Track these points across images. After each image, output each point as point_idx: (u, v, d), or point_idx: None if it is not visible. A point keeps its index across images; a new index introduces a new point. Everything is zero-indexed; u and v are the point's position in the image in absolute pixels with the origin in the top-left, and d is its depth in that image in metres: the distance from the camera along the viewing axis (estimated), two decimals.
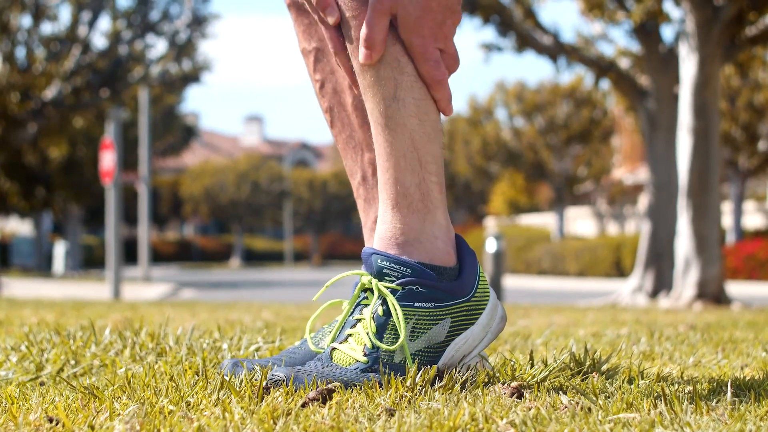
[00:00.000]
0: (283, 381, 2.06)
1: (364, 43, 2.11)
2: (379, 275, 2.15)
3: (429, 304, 2.15)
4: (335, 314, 5.21)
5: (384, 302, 2.15)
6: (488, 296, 2.24)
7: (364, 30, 2.11)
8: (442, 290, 2.16)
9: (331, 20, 2.15)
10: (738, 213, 29.99)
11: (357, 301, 2.20)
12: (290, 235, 59.34)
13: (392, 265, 2.14)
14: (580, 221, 41.00)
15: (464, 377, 2.10)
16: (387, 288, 2.15)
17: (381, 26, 2.11)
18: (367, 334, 2.15)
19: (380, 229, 2.18)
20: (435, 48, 2.14)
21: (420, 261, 2.15)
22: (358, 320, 2.19)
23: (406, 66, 2.11)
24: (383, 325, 2.14)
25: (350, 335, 2.18)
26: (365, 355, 2.14)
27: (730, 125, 28.72)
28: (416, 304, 2.14)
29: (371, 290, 2.18)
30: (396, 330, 2.14)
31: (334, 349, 2.18)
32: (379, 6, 2.10)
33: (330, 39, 2.20)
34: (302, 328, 4.45)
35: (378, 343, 2.12)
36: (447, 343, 2.17)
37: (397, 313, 2.13)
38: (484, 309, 2.23)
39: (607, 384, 2.19)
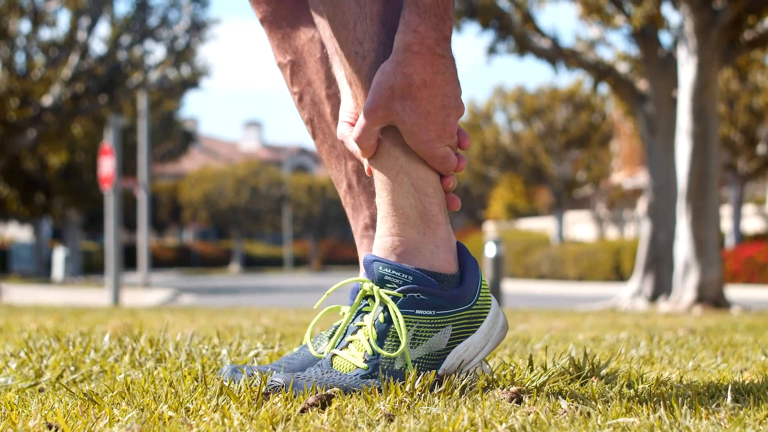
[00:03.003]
0: (283, 387, 2.06)
1: (357, 143, 2.14)
2: (381, 282, 2.15)
3: (430, 312, 2.15)
4: (333, 320, 5.22)
5: (385, 309, 2.15)
6: (490, 304, 2.24)
7: (356, 132, 2.13)
8: (444, 298, 2.16)
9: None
10: (737, 216, 30.00)
11: (358, 308, 2.20)
12: (289, 241, 59.33)
13: (394, 272, 2.14)
14: (580, 225, 41.01)
15: (463, 382, 2.10)
16: (388, 295, 2.15)
17: (372, 133, 2.12)
18: (368, 340, 2.15)
19: (379, 242, 2.18)
20: (442, 146, 2.13)
21: (421, 268, 2.15)
22: (359, 327, 2.18)
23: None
24: (384, 332, 2.14)
25: (351, 342, 2.18)
26: (365, 361, 2.14)
27: (729, 129, 28.74)
28: (417, 312, 2.14)
29: (372, 297, 2.18)
30: (397, 337, 2.14)
31: (334, 355, 2.18)
32: (372, 116, 2.10)
33: None
34: (301, 333, 4.45)
35: (379, 350, 2.12)
36: (448, 350, 2.17)
37: (398, 320, 2.13)
38: (485, 317, 2.23)
39: (606, 388, 2.19)
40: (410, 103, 2.09)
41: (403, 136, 2.12)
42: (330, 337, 2.38)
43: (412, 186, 2.14)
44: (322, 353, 2.35)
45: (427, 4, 2.05)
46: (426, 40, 2.06)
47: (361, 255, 2.47)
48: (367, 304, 2.19)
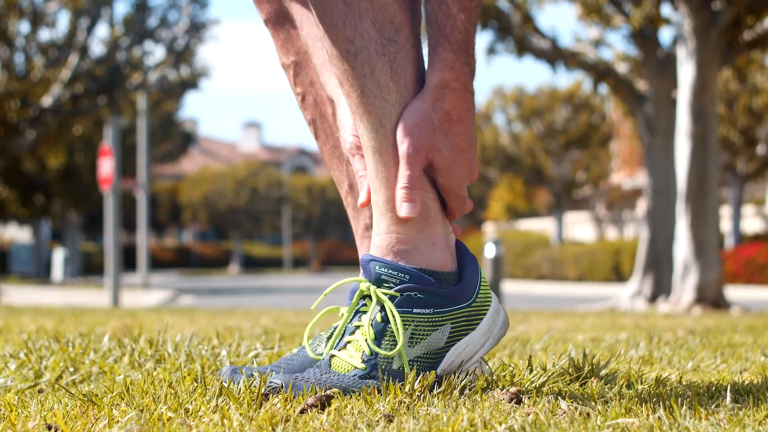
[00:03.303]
0: (281, 387, 2.06)
1: (406, 198, 2.11)
2: (378, 282, 2.15)
3: (428, 310, 2.15)
4: (332, 321, 5.22)
5: (382, 309, 2.15)
6: (490, 301, 2.24)
7: (404, 192, 2.11)
8: (442, 296, 2.16)
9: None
10: (737, 217, 29.99)
11: (356, 308, 2.20)
12: (289, 242, 59.33)
13: (390, 271, 2.14)
14: (579, 226, 41.02)
15: (463, 383, 2.10)
16: (385, 294, 2.15)
17: (420, 177, 2.12)
18: (366, 341, 2.15)
19: (376, 240, 2.18)
20: (466, 185, 2.17)
21: (418, 267, 2.15)
22: (357, 327, 2.18)
23: (389, 93, 2.11)
24: (381, 332, 2.14)
25: (349, 342, 2.18)
26: (363, 362, 2.13)
27: (729, 129, 28.72)
28: (415, 310, 2.14)
29: (370, 297, 2.18)
30: (394, 336, 2.14)
31: (333, 356, 2.18)
32: (416, 158, 2.11)
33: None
34: (301, 334, 4.45)
35: (376, 350, 2.12)
36: (447, 348, 2.17)
37: (395, 320, 2.13)
38: (485, 314, 2.23)
39: (605, 389, 2.19)
40: (448, 139, 2.12)
41: (439, 173, 2.13)
42: (328, 338, 2.38)
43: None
44: (321, 354, 2.35)
45: (460, 41, 2.11)
46: (461, 77, 2.11)
47: (362, 255, 2.47)
48: (365, 304, 2.19)
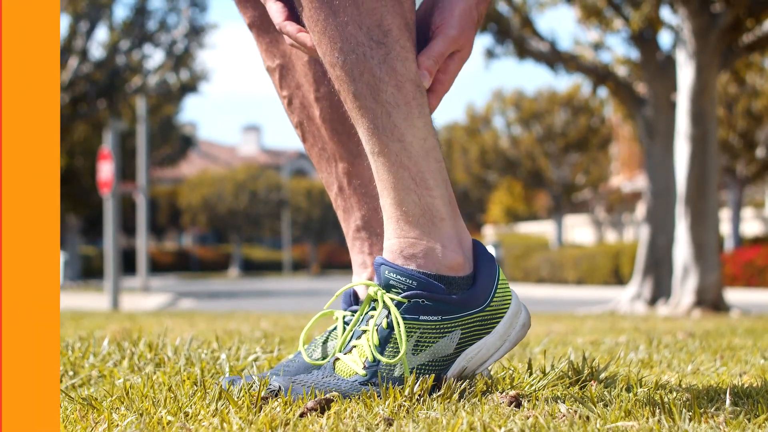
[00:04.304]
0: (280, 390, 2.06)
1: (428, 68, 2.15)
2: (387, 287, 2.13)
3: (436, 317, 2.12)
4: (329, 325, 5.21)
5: (390, 314, 2.14)
6: (509, 303, 2.20)
7: (429, 62, 2.14)
8: (452, 303, 2.13)
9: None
10: (736, 220, 30.00)
11: (365, 311, 2.19)
12: (288, 245, 59.32)
13: (399, 277, 2.12)
14: (579, 229, 41.03)
15: (462, 386, 2.10)
16: (393, 300, 2.13)
17: (444, 57, 2.16)
18: (369, 347, 2.14)
19: (386, 243, 2.16)
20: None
21: (427, 272, 2.12)
22: (364, 332, 2.17)
23: (379, 94, 2.08)
24: (386, 338, 2.13)
25: (355, 347, 2.17)
26: (365, 368, 2.12)
27: (728, 132, 28.73)
28: (422, 318, 2.12)
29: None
30: (398, 343, 2.12)
31: (337, 359, 2.17)
32: (455, 41, 2.16)
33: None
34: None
35: (378, 357, 2.11)
36: (457, 354, 2.15)
37: (399, 327, 2.11)
38: (502, 317, 2.19)
39: (605, 392, 2.18)
40: (473, 37, 2.19)
41: (458, 63, 2.18)
42: (324, 343, 2.38)
43: (413, 181, 2.10)
44: (317, 360, 2.34)
45: None
46: None
47: (354, 258, 2.46)
48: (374, 308, 2.17)
